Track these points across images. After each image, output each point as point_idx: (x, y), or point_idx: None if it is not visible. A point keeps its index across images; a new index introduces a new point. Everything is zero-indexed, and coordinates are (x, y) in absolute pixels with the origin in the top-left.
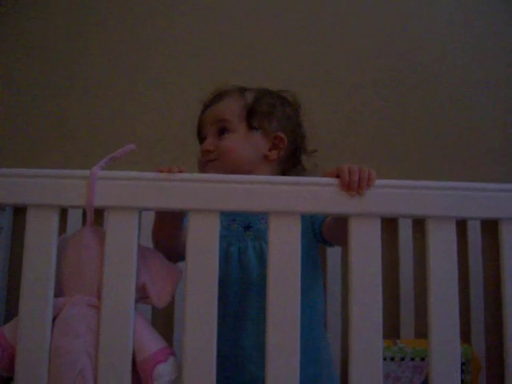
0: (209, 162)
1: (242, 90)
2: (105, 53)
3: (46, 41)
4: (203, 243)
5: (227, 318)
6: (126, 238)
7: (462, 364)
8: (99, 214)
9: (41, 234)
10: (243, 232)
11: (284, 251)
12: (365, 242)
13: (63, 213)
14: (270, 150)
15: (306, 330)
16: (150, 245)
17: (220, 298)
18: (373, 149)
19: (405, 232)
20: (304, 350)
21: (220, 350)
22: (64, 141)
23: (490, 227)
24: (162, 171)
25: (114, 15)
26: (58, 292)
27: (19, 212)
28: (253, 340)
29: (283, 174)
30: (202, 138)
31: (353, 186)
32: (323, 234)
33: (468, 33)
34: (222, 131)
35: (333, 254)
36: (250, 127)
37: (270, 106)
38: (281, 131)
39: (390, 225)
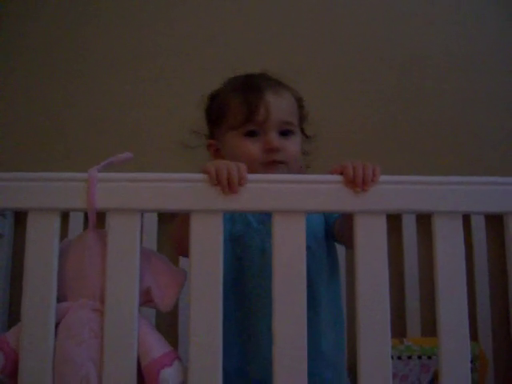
0: (277, 163)
1: (289, 87)
2: (104, 54)
3: (45, 43)
4: (207, 245)
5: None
6: (128, 240)
7: (470, 361)
8: (102, 216)
9: (42, 239)
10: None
11: (289, 251)
12: (370, 239)
13: (65, 216)
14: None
15: (331, 330)
16: (153, 248)
17: (253, 293)
18: (376, 145)
19: (409, 229)
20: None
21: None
22: (63, 144)
23: (495, 222)
24: (218, 182)
25: (113, 16)
26: (62, 297)
27: (20, 218)
28: None
29: None
30: (246, 124)
31: (357, 182)
32: (336, 234)
33: (471, 29)
34: (286, 133)
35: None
36: (301, 131)
37: (304, 107)
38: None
39: (394, 222)
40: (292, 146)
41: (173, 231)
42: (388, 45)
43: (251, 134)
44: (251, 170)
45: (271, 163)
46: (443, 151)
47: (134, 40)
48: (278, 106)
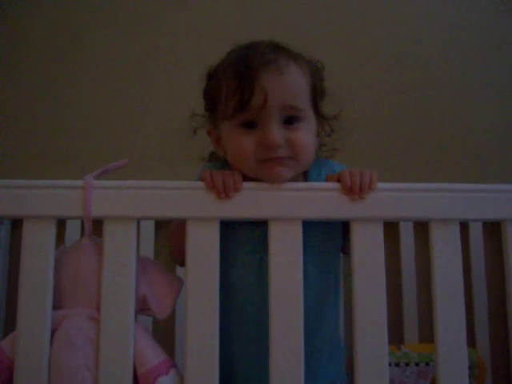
0: (281, 160)
1: (298, 58)
2: (104, 57)
3: (44, 45)
4: (203, 252)
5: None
6: (124, 248)
7: (468, 368)
8: (99, 224)
9: (38, 246)
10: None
11: (286, 259)
12: (368, 246)
13: (61, 224)
14: (317, 137)
15: (332, 335)
16: (150, 255)
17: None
18: (373, 152)
19: (406, 236)
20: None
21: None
22: (61, 150)
23: (492, 229)
24: (214, 187)
25: (113, 18)
26: (58, 304)
27: (17, 225)
28: None
29: None
30: (239, 113)
31: (354, 189)
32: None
33: (470, 34)
34: (291, 119)
35: None
36: (315, 113)
37: (322, 81)
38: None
39: (391, 229)
40: (300, 136)
41: (169, 241)
42: (386, 51)
43: (248, 125)
44: (248, 169)
45: (270, 160)
46: (440, 158)
47: (135, 46)
48: (278, 88)
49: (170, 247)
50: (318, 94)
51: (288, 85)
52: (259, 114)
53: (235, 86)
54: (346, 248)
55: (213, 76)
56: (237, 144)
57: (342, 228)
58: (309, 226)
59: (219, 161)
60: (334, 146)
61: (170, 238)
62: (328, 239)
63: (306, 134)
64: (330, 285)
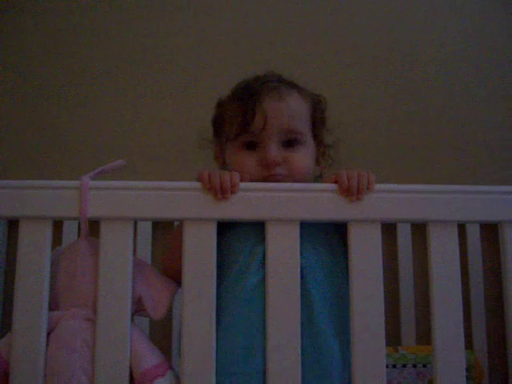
0: (278, 177)
1: (300, 88)
2: (104, 57)
3: (44, 45)
4: (200, 253)
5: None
6: (120, 249)
7: (465, 370)
8: (95, 225)
9: (34, 247)
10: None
11: (284, 260)
12: (365, 248)
13: (58, 224)
14: (317, 164)
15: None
16: (147, 256)
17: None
18: (371, 153)
19: (404, 238)
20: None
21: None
22: (60, 152)
23: (490, 230)
24: (211, 188)
25: (113, 20)
26: (54, 305)
27: (13, 226)
28: None
29: None
30: (242, 134)
31: (352, 191)
32: None
33: (470, 34)
34: (290, 142)
35: None
36: (314, 139)
37: (323, 112)
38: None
39: (388, 230)
40: (298, 157)
41: (164, 253)
42: (385, 54)
43: (250, 146)
44: None
45: (270, 178)
46: (437, 160)
47: (134, 46)
48: (278, 113)
49: (164, 262)
50: (317, 120)
51: (288, 109)
52: (260, 136)
53: (239, 110)
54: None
55: (220, 105)
56: (239, 163)
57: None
58: (309, 234)
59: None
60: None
61: (165, 253)
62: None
63: (303, 156)
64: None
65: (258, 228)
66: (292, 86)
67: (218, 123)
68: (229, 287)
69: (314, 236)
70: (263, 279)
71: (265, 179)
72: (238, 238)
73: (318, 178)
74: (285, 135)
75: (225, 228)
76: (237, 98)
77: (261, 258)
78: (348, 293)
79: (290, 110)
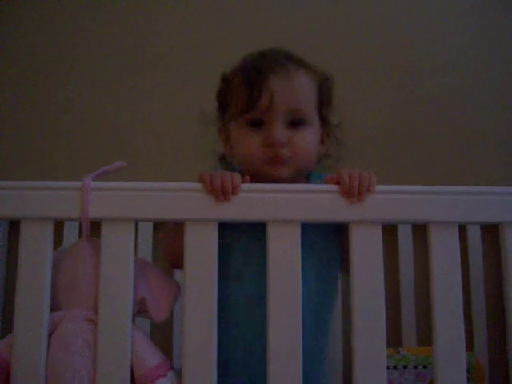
0: (282, 160)
1: (307, 66)
2: (104, 57)
3: (44, 45)
4: (201, 254)
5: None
6: (122, 249)
7: (466, 371)
8: (97, 225)
9: (35, 248)
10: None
11: (284, 261)
12: (366, 248)
13: (59, 225)
14: (321, 144)
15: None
16: (148, 257)
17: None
18: (372, 154)
19: (405, 239)
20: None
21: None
22: (61, 152)
23: (491, 231)
24: (213, 189)
25: (113, 20)
26: (55, 306)
27: (15, 227)
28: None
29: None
30: (247, 112)
31: (353, 192)
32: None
33: (470, 34)
34: (296, 122)
35: None
36: (321, 119)
37: (330, 90)
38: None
39: (389, 231)
40: (302, 138)
41: (164, 246)
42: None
43: (255, 124)
44: (253, 166)
45: (272, 160)
46: (439, 161)
47: (135, 46)
48: (285, 92)
49: (164, 248)
50: (324, 101)
51: (295, 89)
52: (265, 114)
53: (245, 87)
54: (345, 263)
55: (225, 79)
56: (243, 142)
57: (341, 240)
58: (308, 239)
59: (229, 166)
60: (338, 155)
61: (165, 238)
62: (328, 252)
63: (308, 137)
64: (330, 300)
65: (254, 227)
66: (300, 63)
67: (222, 98)
68: (228, 287)
69: (310, 239)
70: (263, 279)
71: (265, 161)
72: (235, 237)
73: (321, 158)
74: (291, 115)
75: (225, 228)
76: (243, 74)
77: (258, 257)
78: (335, 297)
79: (298, 90)
